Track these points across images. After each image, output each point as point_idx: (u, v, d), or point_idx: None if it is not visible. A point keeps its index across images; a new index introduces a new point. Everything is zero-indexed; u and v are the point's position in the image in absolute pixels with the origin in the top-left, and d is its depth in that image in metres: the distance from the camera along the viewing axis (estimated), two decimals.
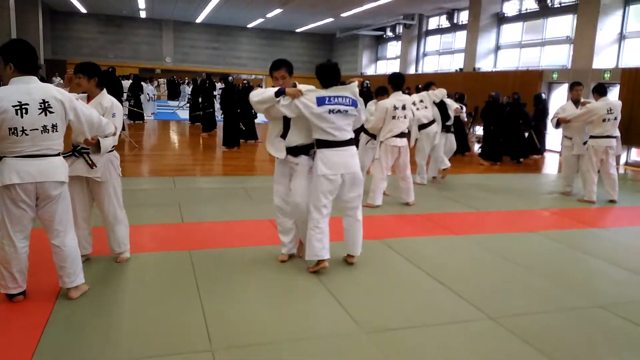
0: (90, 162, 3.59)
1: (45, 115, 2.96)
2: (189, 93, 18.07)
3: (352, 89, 3.89)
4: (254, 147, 11.84)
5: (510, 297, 3.67)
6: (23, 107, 2.90)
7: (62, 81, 11.04)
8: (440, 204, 6.61)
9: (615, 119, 6.84)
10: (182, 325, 3.01)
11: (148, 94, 17.72)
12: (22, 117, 2.90)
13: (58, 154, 3.11)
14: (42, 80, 3.40)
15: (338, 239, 4.24)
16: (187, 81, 25.84)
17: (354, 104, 3.85)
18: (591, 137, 6.98)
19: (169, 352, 2.72)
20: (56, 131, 3.03)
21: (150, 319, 3.08)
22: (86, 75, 3.58)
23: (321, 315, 3.25)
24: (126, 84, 15.77)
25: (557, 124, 7.23)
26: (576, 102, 7.29)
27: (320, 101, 3.73)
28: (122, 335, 2.89)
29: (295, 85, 3.87)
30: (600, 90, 6.91)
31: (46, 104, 2.96)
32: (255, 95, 3.84)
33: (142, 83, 16.70)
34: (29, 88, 2.95)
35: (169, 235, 4.79)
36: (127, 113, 15.03)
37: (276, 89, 3.76)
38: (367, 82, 13.39)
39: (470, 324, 3.21)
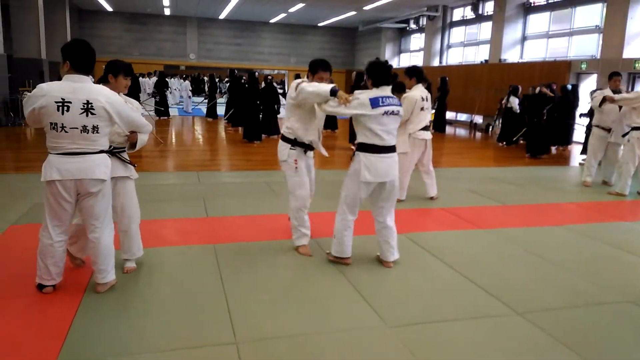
0: (127, 161, 3.64)
1: (87, 116, 3.01)
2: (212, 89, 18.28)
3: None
4: (276, 142, 11.86)
5: (537, 291, 3.61)
6: (65, 104, 2.97)
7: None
8: (464, 197, 6.53)
9: None
10: (207, 318, 3.05)
11: (179, 89, 18.13)
12: (62, 113, 2.97)
13: (100, 152, 3.16)
14: (100, 81, 3.48)
15: (362, 233, 4.22)
16: (205, 77, 25.99)
17: (400, 104, 3.82)
18: (634, 128, 6.75)
19: (194, 344, 2.76)
20: (97, 132, 3.07)
21: (175, 312, 3.12)
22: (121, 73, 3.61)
23: (344, 309, 3.24)
24: (148, 80, 16.04)
25: (601, 103, 7.03)
26: (615, 92, 7.12)
27: (375, 102, 3.62)
28: (147, 327, 2.93)
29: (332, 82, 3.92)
30: None
31: (89, 105, 3.00)
32: (310, 86, 3.77)
33: (167, 79, 17.00)
34: (76, 87, 3.01)
35: (193, 229, 4.84)
36: (153, 109, 15.28)
37: (331, 86, 3.70)
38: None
39: (496, 319, 3.17)
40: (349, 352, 2.75)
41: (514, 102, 12.24)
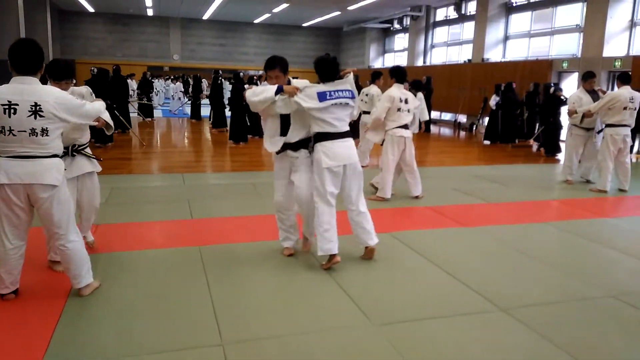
0: (92, 156, 3.61)
1: (35, 118, 2.88)
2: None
3: (350, 82, 3.94)
4: (261, 143, 11.84)
5: (521, 288, 3.65)
6: (12, 107, 2.85)
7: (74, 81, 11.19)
8: (449, 196, 6.58)
9: (635, 109, 6.79)
10: (193, 320, 3.03)
11: (163, 91, 18.05)
12: (9, 116, 2.85)
13: (53, 156, 3.02)
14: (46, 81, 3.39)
15: (345, 232, 4.23)
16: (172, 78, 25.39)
17: (353, 95, 3.90)
18: (608, 125, 6.89)
19: (179, 347, 2.74)
20: (47, 135, 2.93)
21: (160, 315, 3.09)
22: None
23: (331, 309, 3.25)
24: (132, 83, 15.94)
25: (582, 120, 7.17)
26: (590, 92, 7.23)
27: (322, 96, 3.73)
28: (133, 330, 2.90)
29: (289, 82, 3.88)
30: (623, 78, 6.90)
31: (37, 107, 2.88)
32: (254, 95, 3.78)
33: (154, 80, 16.94)
34: (23, 89, 2.89)
35: (178, 231, 4.81)
36: (137, 110, 15.17)
37: (275, 87, 3.73)
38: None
39: (480, 316, 3.20)
40: (336, 351, 2.76)
41: (493, 99, 12.47)
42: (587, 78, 7.38)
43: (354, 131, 4.08)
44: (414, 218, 5.56)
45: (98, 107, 3.37)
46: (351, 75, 3.99)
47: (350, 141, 3.90)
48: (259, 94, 3.77)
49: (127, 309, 3.17)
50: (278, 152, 4.00)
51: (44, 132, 2.93)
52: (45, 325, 2.90)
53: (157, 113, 18.01)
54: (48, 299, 3.24)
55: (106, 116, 3.54)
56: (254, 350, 2.74)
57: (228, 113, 12.27)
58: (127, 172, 7.79)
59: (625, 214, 6.08)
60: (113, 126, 3.65)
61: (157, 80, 19.80)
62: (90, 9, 24.29)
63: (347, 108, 3.89)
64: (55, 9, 23.41)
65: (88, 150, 3.63)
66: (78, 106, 3.11)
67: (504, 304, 3.34)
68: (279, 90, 3.70)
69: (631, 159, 7.48)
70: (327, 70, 3.86)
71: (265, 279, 3.71)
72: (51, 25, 20.83)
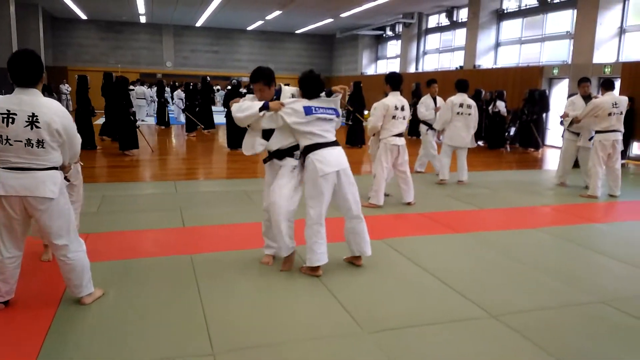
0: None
1: (32, 129, 2.88)
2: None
3: (336, 102, 3.96)
4: None
5: (513, 294, 3.66)
6: (10, 116, 2.87)
7: (69, 88, 11.12)
8: (441, 202, 6.61)
9: (621, 113, 6.86)
10: (184, 329, 3.02)
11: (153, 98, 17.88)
12: (7, 125, 2.87)
13: (49, 168, 3.01)
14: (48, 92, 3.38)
15: (336, 239, 4.24)
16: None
17: (337, 114, 3.96)
18: (597, 132, 6.98)
19: (170, 356, 2.73)
20: (42, 147, 2.93)
21: (152, 324, 3.08)
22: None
23: (322, 317, 3.25)
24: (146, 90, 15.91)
25: (570, 125, 7.29)
26: (585, 97, 7.32)
27: (308, 110, 3.75)
28: (124, 339, 2.89)
29: (280, 89, 3.89)
30: (607, 85, 6.97)
31: (34, 118, 2.88)
32: (239, 111, 3.77)
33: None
34: (23, 99, 2.91)
35: (170, 239, 4.80)
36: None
37: (260, 104, 3.73)
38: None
39: (472, 322, 3.21)
40: (327, 359, 2.76)
41: (501, 105, 12.62)
42: (581, 82, 7.49)
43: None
44: (406, 224, 5.57)
45: (78, 150, 3.27)
46: (339, 96, 3.97)
47: (339, 148, 3.94)
48: (244, 110, 3.76)
49: (119, 317, 3.15)
50: (265, 161, 4.02)
51: (40, 143, 2.93)
52: (36, 334, 2.88)
53: (149, 120, 17.96)
54: (39, 307, 3.22)
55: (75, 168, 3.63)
56: (245, 359, 2.73)
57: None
58: (119, 180, 7.76)
59: (615, 220, 6.13)
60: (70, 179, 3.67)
61: (145, 86, 19.24)
62: (83, 16, 24.25)
63: (331, 122, 3.94)
64: (48, 16, 23.36)
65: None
66: (73, 129, 3.11)
67: (495, 310, 3.35)
68: (264, 107, 3.70)
69: (622, 165, 7.54)
70: (310, 87, 3.86)
71: (256, 286, 3.71)
72: (44, 33, 20.79)
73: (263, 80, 3.80)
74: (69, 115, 3.12)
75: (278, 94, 3.91)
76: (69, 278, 3.20)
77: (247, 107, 3.77)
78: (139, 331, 2.99)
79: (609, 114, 6.78)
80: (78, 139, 3.20)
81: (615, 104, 6.79)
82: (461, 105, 7.65)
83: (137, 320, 3.13)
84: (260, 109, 3.71)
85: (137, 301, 3.40)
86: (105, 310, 3.23)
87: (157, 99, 16.72)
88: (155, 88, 17.33)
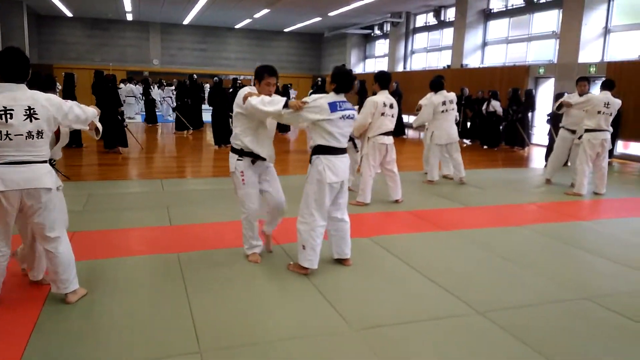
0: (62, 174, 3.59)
1: (31, 121, 2.96)
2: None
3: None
4: None
5: (498, 291, 3.69)
6: (8, 112, 2.91)
7: (60, 86, 10.95)
8: (429, 200, 6.64)
9: (610, 114, 6.93)
10: (171, 328, 3.00)
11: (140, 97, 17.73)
12: (6, 121, 2.90)
13: (44, 161, 3.08)
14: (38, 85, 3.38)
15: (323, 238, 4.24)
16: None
17: (354, 108, 3.97)
18: (587, 130, 7.04)
19: (157, 355, 2.71)
20: (41, 137, 3.01)
21: (138, 323, 3.06)
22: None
23: (310, 314, 3.25)
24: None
25: (559, 107, 7.35)
26: (582, 96, 7.39)
27: (333, 107, 3.73)
28: (110, 339, 2.87)
29: (289, 87, 3.95)
30: (606, 85, 7.06)
31: (32, 110, 2.96)
32: (262, 104, 3.70)
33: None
34: (15, 95, 2.96)
35: (156, 238, 4.77)
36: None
37: (283, 100, 3.71)
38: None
39: (458, 319, 3.23)
40: (315, 357, 2.76)
41: (496, 105, 12.70)
42: (578, 82, 7.58)
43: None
44: (393, 222, 5.59)
45: (90, 113, 3.37)
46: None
47: (348, 157, 3.98)
48: (267, 103, 3.72)
49: (104, 316, 3.12)
50: (245, 161, 4.03)
51: (40, 134, 3.00)
52: (20, 335, 2.85)
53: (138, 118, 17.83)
54: (23, 307, 3.18)
55: (97, 121, 3.56)
56: (232, 357, 2.72)
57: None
58: (106, 178, 7.69)
59: (600, 217, 6.21)
60: (101, 131, 3.67)
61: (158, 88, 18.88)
62: (69, 14, 23.97)
63: (351, 122, 3.94)
64: (33, 13, 23.05)
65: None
66: (66, 108, 3.15)
67: (481, 307, 3.38)
68: (286, 105, 3.69)
69: (608, 163, 7.62)
70: (345, 81, 3.85)
71: (243, 285, 3.69)
72: (28, 30, 20.53)
73: (276, 76, 3.93)
74: (57, 98, 3.16)
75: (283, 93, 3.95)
76: (56, 272, 3.18)
77: (270, 101, 3.75)
78: (125, 330, 2.96)
79: (598, 112, 6.85)
80: (79, 112, 3.22)
81: (607, 105, 6.86)
82: (444, 103, 7.66)
83: (123, 319, 3.11)
84: (283, 106, 3.70)
85: (123, 300, 3.37)
86: (90, 310, 3.20)
87: (143, 97, 16.59)
88: (142, 86, 17.16)
